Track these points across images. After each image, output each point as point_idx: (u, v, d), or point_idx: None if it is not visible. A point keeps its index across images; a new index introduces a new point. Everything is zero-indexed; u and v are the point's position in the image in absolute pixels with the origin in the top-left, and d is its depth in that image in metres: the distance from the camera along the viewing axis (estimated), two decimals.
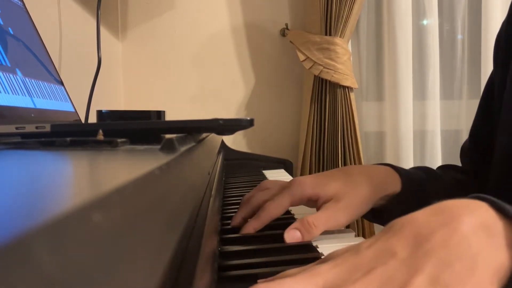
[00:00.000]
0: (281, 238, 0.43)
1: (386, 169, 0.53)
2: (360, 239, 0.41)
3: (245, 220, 0.48)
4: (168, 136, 0.32)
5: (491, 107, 0.63)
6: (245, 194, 0.52)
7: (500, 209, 0.26)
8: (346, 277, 0.24)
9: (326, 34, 1.40)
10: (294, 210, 0.58)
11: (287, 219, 0.51)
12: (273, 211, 0.46)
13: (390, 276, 0.24)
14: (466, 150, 0.70)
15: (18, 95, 0.51)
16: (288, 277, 0.25)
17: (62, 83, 0.69)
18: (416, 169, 0.60)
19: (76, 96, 0.76)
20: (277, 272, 0.36)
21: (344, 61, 1.39)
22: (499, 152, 0.55)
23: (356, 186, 0.47)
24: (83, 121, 0.87)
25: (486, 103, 0.65)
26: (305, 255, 0.40)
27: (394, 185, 0.51)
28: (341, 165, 1.41)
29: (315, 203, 0.48)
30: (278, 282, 0.25)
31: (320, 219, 0.43)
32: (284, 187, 0.49)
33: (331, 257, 0.27)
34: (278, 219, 0.48)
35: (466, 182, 0.63)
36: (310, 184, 0.47)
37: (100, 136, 0.34)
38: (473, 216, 0.26)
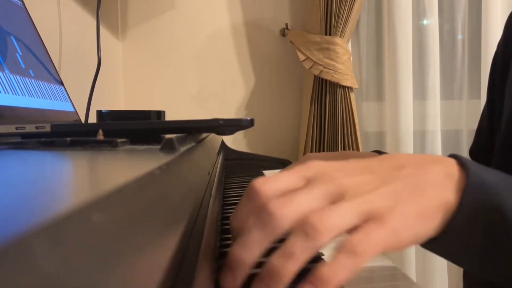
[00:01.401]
0: (281, 238, 0.42)
1: (370, 153, 0.63)
2: None
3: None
4: (168, 136, 0.32)
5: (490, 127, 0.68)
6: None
7: (463, 165, 0.33)
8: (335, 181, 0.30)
9: (326, 34, 1.40)
10: None
11: None
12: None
13: (364, 183, 0.30)
14: (471, 151, 0.75)
15: (18, 95, 0.51)
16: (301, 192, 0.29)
17: (62, 83, 0.69)
18: None
19: (76, 96, 0.76)
20: None
21: (344, 61, 1.39)
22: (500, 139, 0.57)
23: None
24: (83, 121, 0.87)
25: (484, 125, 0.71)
26: None
27: None
28: None
29: None
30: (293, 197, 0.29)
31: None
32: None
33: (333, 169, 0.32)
34: None
35: None
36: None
37: (100, 136, 0.34)
38: (441, 165, 0.33)
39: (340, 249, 0.27)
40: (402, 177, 0.31)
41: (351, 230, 0.28)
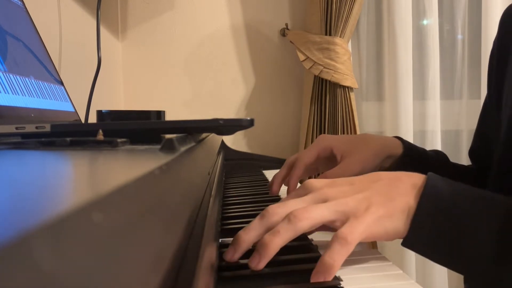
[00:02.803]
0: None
1: (390, 137, 0.67)
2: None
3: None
4: (168, 136, 0.32)
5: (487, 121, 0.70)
6: (245, 194, 0.52)
7: (427, 178, 0.41)
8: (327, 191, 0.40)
9: (326, 34, 1.40)
10: None
11: None
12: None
13: (344, 191, 0.40)
14: (472, 152, 0.75)
15: (18, 95, 0.51)
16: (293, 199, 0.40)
17: (62, 83, 0.69)
18: (430, 151, 0.71)
19: (76, 96, 0.76)
20: (277, 272, 0.36)
21: (344, 61, 1.39)
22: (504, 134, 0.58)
23: (364, 145, 0.62)
24: (83, 121, 0.87)
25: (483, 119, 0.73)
26: (306, 255, 0.40)
27: (396, 148, 0.65)
28: None
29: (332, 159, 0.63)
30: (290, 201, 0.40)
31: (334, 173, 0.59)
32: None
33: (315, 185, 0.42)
34: None
35: (470, 171, 0.72)
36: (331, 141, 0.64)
37: (100, 136, 0.34)
38: (411, 178, 0.41)
39: (334, 239, 0.35)
40: (376, 187, 0.40)
41: (330, 223, 0.38)
